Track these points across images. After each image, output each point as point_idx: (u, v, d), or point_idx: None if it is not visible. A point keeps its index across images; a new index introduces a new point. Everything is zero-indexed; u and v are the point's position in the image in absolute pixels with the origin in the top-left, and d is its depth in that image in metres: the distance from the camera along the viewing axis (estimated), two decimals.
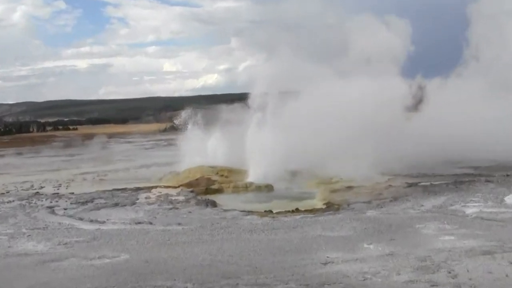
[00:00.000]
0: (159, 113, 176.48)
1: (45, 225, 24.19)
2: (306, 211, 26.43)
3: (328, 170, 35.50)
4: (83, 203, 29.19)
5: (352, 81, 40.06)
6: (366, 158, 35.23)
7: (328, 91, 39.08)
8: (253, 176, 35.61)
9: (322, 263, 17.00)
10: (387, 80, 40.07)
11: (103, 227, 23.19)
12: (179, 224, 23.53)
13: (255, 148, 36.63)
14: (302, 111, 38.56)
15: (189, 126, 45.52)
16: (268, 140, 36.14)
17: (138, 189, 33.89)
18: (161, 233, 21.58)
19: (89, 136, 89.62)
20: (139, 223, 23.83)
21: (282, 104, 38.89)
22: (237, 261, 17.49)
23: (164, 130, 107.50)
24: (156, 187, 34.92)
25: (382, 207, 25.95)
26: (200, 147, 42.10)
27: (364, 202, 27.40)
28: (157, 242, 20.25)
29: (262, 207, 28.14)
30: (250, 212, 26.07)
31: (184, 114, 46.74)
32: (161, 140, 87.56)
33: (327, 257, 17.64)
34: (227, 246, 19.38)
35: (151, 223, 23.73)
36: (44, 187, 37.19)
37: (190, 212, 26.15)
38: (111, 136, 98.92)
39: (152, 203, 28.65)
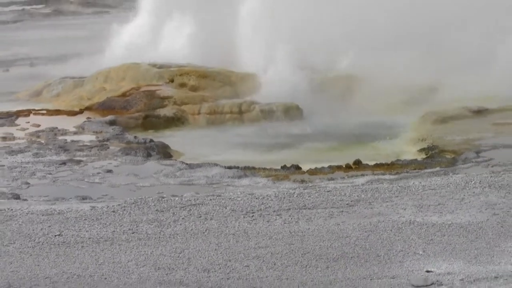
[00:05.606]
0: None
1: None
2: (379, 167, 13.40)
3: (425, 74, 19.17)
4: None
5: None
6: None
7: None
8: (260, 86, 18.92)
9: (417, 286, 7.81)
10: None
11: None
12: (85, 198, 11.37)
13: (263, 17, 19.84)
14: None
15: None
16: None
17: None
18: (41, 220, 9.92)
19: None
20: None
21: None
22: (221, 282, 7.94)
23: None
24: (27, 113, 18.35)
25: None
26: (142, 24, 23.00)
27: None
28: (32, 240, 9.34)
29: (277, 158, 14.52)
30: (249, 171, 13.20)
31: None
32: (36, 2, 43.87)
33: (428, 272, 8.20)
34: (197, 248, 9.03)
35: (17, 197, 11.46)
36: None
37: (109, 171, 13.29)
38: None
39: (20, 151, 14.55)
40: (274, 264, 8.16)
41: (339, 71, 19.52)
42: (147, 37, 22.05)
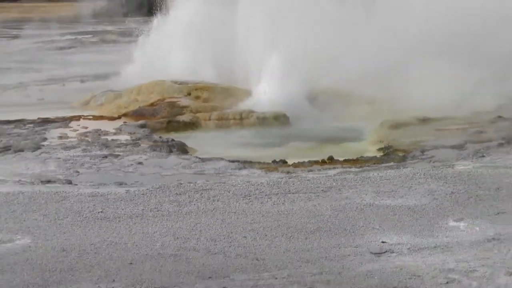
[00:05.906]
0: None
1: None
2: (347, 162, 12.53)
3: (389, 91, 16.80)
4: None
5: None
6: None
7: None
8: (255, 99, 17.77)
9: (374, 253, 7.55)
10: None
11: None
12: (121, 184, 10.86)
13: (257, 47, 17.89)
14: None
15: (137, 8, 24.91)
16: (282, 33, 17.59)
17: (45, 121, 16.49)
18: (88, 200, 9.61)
19: None
20: (49, 182, 10.91)
21: None
22: (224, 249, 7.77)
23: (92, 16, 49.27)
24: (78, 118, 17.19)
25: (483, 156, 12.13)
26: (160, 48, 21.51)
27: (451, 147, 13.04)
28: (81, 215, 9.07)
29: (269, 154, 13.75)
30: (247, 164, 12.51)
31: None
32: (86, 33, 40.88)
33: (383, 242, 7.86)
34: (206, 223, 8.70)
35: (70, 183, 10.95)
36: None
37: (140, 163, 12.53)
38: None
39: (72, 147, 13.90)
40: (265, 236, 8.00)
41: (328, 82, 17.77)
42: (165, 58, 20.70)
